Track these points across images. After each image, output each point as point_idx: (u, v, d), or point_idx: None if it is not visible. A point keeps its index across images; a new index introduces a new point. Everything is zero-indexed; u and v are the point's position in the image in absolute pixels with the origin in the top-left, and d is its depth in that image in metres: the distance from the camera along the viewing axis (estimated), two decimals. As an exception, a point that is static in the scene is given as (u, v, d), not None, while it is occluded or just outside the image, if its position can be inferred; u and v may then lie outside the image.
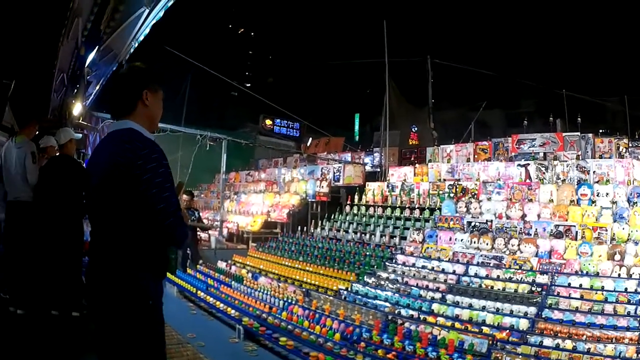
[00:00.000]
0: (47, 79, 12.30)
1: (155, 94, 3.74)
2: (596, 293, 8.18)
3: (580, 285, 8.52)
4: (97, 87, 13.36)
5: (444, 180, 14.47)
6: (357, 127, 33.16)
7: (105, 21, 9.60)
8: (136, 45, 11.49)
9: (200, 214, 16.63)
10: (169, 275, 12.71)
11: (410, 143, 25.91)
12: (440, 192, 13.82)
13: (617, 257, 8.95)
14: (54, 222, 8.19)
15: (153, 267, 3.53)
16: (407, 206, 13.96)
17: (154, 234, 3.42)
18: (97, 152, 3.74)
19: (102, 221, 3.56)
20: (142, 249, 3.44)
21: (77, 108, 11.62)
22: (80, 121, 12.43)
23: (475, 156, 15.60)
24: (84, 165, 9.69)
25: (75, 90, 11.49)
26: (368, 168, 20.68)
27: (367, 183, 17.18)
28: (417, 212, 13.47)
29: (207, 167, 22.09)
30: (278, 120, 35.01)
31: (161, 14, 10.09)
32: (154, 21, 10.36)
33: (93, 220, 3.67)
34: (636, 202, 10.19)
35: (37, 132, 9.62)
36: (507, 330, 7.52)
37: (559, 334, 7.20)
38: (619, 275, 8.53)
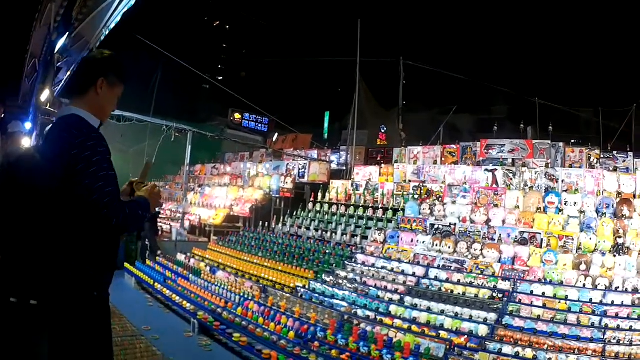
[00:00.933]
0: (18, 63, 12.07)
1: (110, 86, 3.63)
2: (560, 302, 8.04)
3: (543, 293, 8.37)
4: (68, 74, 13.11)
5: (409, 181, 14.32)
6: (326, 125, 33.11)
7: (77, 7, 9.49)
8: (107, 32, 11.39)
9: (162, 204, 16.37)
10: (128, 266, 12.59)
11: (379, 143, 25.84)
12: (405, 193, 13.67)
13: (583, 267, 8.84)
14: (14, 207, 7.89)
15: (98, 259, 3.42)
16: (370, 205, 13.81)
17: (95, 225, 3.28)
18: (43, 143, 3.68)
19: (48, 212, 3.40)
20: (84, 240, 3.33)
21: (44, 94, 11.41)
22: (47, 107, 12.16)
23: (443, 159, 15.48)
24: None
25: (45, 76, 11.26)
26: (334, 166, 20.49)
27: (331, 181, 16.99)
28: (380, 212, 13.30)
29: (173, 158, 21.95)
30: (247, 115, 34.98)
31: (133, 2, 10.01)
32: (125, 9, 10.29)
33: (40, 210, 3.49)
34: (605, 213, 10.16)
35: (2, 115, 9.33)
36: (466, 336, 7.36)
37: (519, 342, 7.04)
38: (584, 285, 8.41)
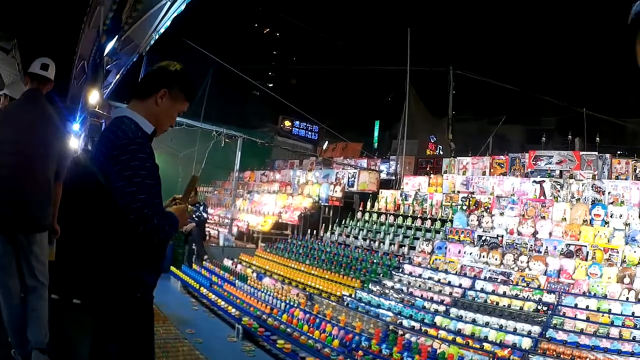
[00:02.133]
0: (67, 65, 12.34)
1: (172, 100, 3.67)
2: (603, 315, 7.99)
3: (587, 306, 8.33)
4: (117, 77, 13.39)
5: (458, 192, 14.30)
6: (376, 134, 33.08)
7: (127, 11, 9.65)
8: (157, 37, 11.51)
9: (208, 209, 16.56)
10: (174, 269, 12.74)
11: (428, 153, 25.80)
12: (453, 203, 13.67)
13: (627, 280, 8.76)
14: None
15: (141, 261, 3.48)
16: (418, 216, 13.83)
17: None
18: (97, 142, 3.70)
19: (92, 212, 3.50)
20: (126, 242, 3.37)
21: (94, 96, 11.63)
22: (96, 110, 12.45)
23: (491, 170, 15.43)
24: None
25: (95, 79, 11.52)
26: (383, 175, 20.48)
27: (380, 190, 17.04)
28: (428, 223, 13.31)
29: (223, 164, 22.14)
30: (297, 122, 35.13)
31: (183, 7, 10.12)
32: (175, 14, 10.40)
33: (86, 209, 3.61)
34: (650, 225, 10.01)
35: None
36: (509, 349, 7.34)
37: (561, 355, 7.03)
38: (627, 298, 8.34)
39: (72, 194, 8.21)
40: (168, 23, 10.89)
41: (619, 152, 14.30)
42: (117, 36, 10.69)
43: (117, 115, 3.53)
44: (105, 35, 10.23)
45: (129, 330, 3.44)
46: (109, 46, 10.84)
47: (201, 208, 14.89)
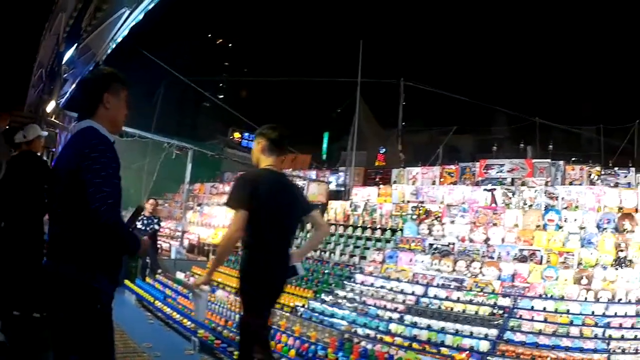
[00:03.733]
0: (26, 73, 12.10)
1: (116, 96, 3.80)
2: (561, 316, 8.01)
3: (544, 308, 8.35)
4: (73, 86, 13.11)
5: (408, 201, 14.24)
6: (325, 146, 33.19)
7: (87, 18, 9.53)
8: (114, 46, 11.41)
9: (161, 222, 16.31)
10: (128, 283, 12.56)
11: (377, 164, 25.82)
12: (403, 213, 13.59)
13: (584, 281, 8.84)
14: (16, 220, 7.88)
15: (104, 271, 3.53)
16: (368, 226, 13.79)
17: (97, 235, 3.38)
18: (61, 151, 3.88)
19: (58, 221, 3.61)
20: (92, 249, 3.42)
21: (50, 105, 11.40)
22: (52, 119, 12.15)
23: (442, 179, 15.37)
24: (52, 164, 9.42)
25: (52, 87, 11.27)
26: (332, 187, 20.36)
27: (330, 201, 16.89)
28: (378, 233, 13.28)
29: (174, 176, 21.92)
30: (247, 134, 34.99)
31: (141, 16, 10.03)
32: (133, 23, 10.32)
33: (51, 219, 3.71)
34: (606, 228, 10.16)
35: (8, 126, 9.29)
36: (467, 352, 7.27)
37: (521, 356, 6.99)
38: (586, 298, 8.40)
39: (24, 205, 7.97)
40: (126, 32, 10.81)
41: (572, 159, 14.38)
42: (76, 44, 10.50)
43: (83, 127, 3.64)
44: (65, 42, 10.04)
45: (90, 342, 3.43)
46: (68, 54, 10.65)
47: (156, 220, 14.64)
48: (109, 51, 11.50)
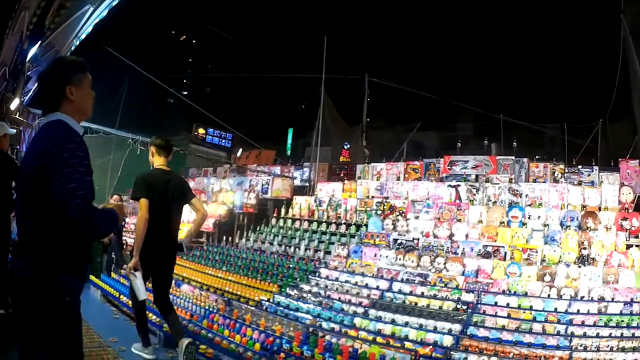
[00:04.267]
0: None
1: (79, 86, 3.67)
2: (524, 312, 8.08)
3: (508, 304, 8.43)
4: (37, 84, 12.95)
5: (372, 197, 14.38)
6: (289, 142, 33.14)
7: (50, 16, 9.42)
8: (77, 43, 11.32)
9: (126, 218, 16.21)
10: (93, 278, 12.47)
11: (342, 160, 25.87)
12: (368, 208, 13.71)
13: (547, 278, 8.95)
14: None
15: (71, 265, 3.47)
16: (333, 221, 13.86)
17: (66, 230, 3.31)
18: (30, 144, 3.72)
19: (25, 215, 3.51)
20: (60, 245, 3.38)
21: (14, 103, 11.26)
22: (16, 116, 11.97)
23: (406, 175, 15.48)
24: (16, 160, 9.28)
25: (15, 85, 11.10)
26: (297, 182, 20.36)
27: (294, 197, 16.96)
28: (343, 228, 13.38)
29: (138, 172, 21.64)
30: (211, 130, 34.83)
31: (105, 13, 9.96)
32: (97, 20, 10.25)
33: (18, 214, 3.62)
34: (569, 226, 10.31)
35: None
36: (431, 346, 7.31)
37: (484, 351, 7.03)
38: (549, 295, 8.49)
39: None
40: (90, 29, 10.73)
41: (537, 157, 14.53)
42: (39, 41, 10.37)
43: (50, 120, 3.54)
44: (28, 40, 9.91)
45: (60, 336, 3.38)
46: (32, 52, 10.52)
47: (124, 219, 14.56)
48: (72, 48, 11.42)
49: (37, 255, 3.34)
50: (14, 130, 10.10)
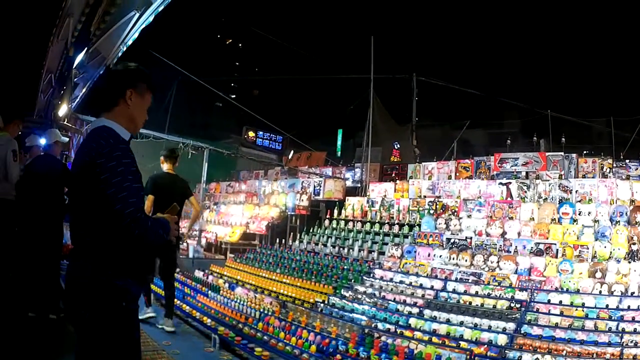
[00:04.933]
0: (34, 78, 12.18)
1: (140, 96, 3.73)
2: (576, 309, 8.09)
3: (560, 302, 8.42)
4: (84, 90, 13.24)
5: (424, 197, 14.37)
6: (339, 142, 33.10)
7: (95, 23, 9.59)
8: (124, 49, 11.47)
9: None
10: None
11: (392, 160, 25.83)
12: (420, 208, 13.74)
13: (599, 274, 8.89)
14: (35, 222, 8.07)
15: (128, 269, 3.50)
16: (386, 222, 13.86)
17: (120, 235, 3.35)
18: (77, 153, 3.71)
19: (78, 222, 3.55)
20: (116, 250, 3.41)
21: (62, 109, 11.51)
22: (65, 122, 12.28)
23: (457, 174, 15.51)
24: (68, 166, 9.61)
25: (62, 92, 11.36)
26: (349, 183, 20.46)
27: (347, 198, 17.05)
28: (396, 228, 13.36)
29: (189, 176, 21.78)
30: (261, 133, 34.91)
31: (151, 18, 10.11)
32: (143, 25, 10.38)
33: (72, 220, 3.64)
34: (619, 221, 10.21)
35: (20, 132, 9.47)
36: (485, 346, 7.38)
37: (538, 350, 7.08)
38: (600, 292, 8.46)
39: (43, 208, 8.16)
40: (136, 35, 10.85)
41: (585, 152, 14.46)
42: (85, 48, 10.57)
43: (96, 126, 3.55)
44: (74, 47, 10.11)
45: (117, 341, 3.41)
46: (78, 59, 10.71)
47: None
48: (119, 54, 11.57)
49: (94, 260, 3.38)
50: (67, 139, 10.39)
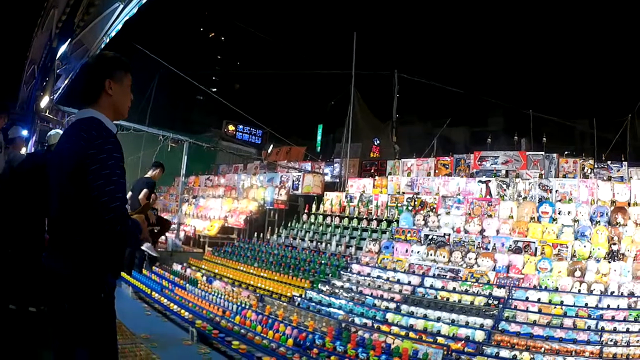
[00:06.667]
0: (18, 70, 12.01)
1: (119, 83, 3.70)
2: (555, 307, 8.11)
3: (539, 299, 8.46)
4: (66, 81, 13.09)
5: (403, 193, 14.36)
6: (319, 138, 33.07)
7: (80, 14, 9.46)
8: (107, 40, 11.39)
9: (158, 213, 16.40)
10: (124, 275, 12.55)
11: (372, 156, 25.81)
12: (399, 204, 13.74)
13: (578, 273, 8.93)
14: (17, 216, 7.94)
15: (107, 261, 3.50)
16: (364, 217, 13.87)
17: (101, 227, 3.34)
18: (60, 143, 3.69)
19: (57, 212, 3.53)
20: (95, 243, 3.40)
21: (44, 101, 11.41)
22: (46, 114, 12.14)
23: (436, 171, 15.47)
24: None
25: (45, 83, 11.23)
26: (328, 178, 20.40)
27: (325, 193, 17.03)
28: (374, 224, 13.38)
29: (168, 169, 21.76)
30: (241, 127, 34.74)
31: (135, 10, 10.01)
32: (127, 17, 10.30)
33: (50, 210, 3.63)
34: (599, 221, 10.29)
35: (5, 124, 9.33)
36: (463, 341, 7.41)
37: (516, 346, 7.11)
38: (579, 290, 8.50)
39: (25, 198, 8.01)
40: (119, 27, 10.80)
41: (566, 153, 14.50)
42: (69, 39, 10.46)
43: (83, 117, 3.54)
44: (57, 38, 10.00)
45: (95, 331, 3.41)
46: (61, 50, 10.61)
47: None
48: (102, 46, 11.47)
49: (73, 253, 3.38)
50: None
